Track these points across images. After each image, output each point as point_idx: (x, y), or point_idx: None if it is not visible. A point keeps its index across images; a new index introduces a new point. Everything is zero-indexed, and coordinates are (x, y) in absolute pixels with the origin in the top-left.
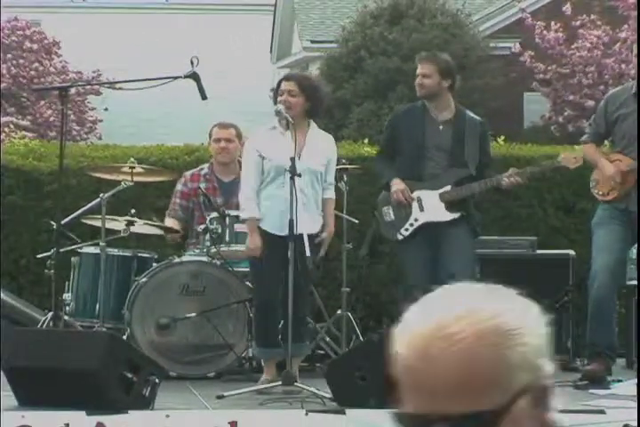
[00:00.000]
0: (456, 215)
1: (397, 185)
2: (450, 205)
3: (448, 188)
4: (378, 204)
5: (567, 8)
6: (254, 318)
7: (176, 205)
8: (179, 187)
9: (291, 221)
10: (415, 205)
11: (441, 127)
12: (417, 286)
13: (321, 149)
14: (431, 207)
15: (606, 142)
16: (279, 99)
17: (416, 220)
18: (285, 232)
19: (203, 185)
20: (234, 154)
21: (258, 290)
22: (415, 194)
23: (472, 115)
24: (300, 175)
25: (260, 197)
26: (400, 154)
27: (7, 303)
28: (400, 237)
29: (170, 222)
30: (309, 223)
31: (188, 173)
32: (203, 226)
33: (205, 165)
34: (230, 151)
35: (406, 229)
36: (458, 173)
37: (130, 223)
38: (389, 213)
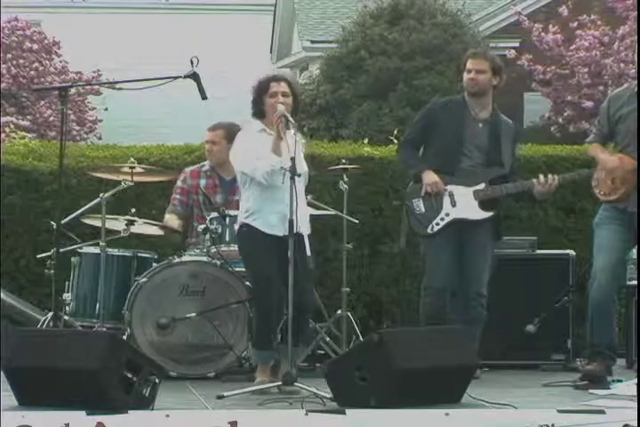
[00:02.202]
0: (488, 214)
1: (430, 177)
2: (482, 204)
3: (482, 185)
4: (407, 196)
5: (563, 9)
6: (255, 320)
7: (175, 201)
8: (179, 183)
9: (290, 221)
10: (447, 199)
11: (480, 125)
12: (428, 289)
13: (297, 148)
14: (464, 204)
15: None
16: (272, 100)
17: (447, 215)
18: (274, 231)
19: (203, 182)
20: (220, 155)
21: (258, 292)
22: (447, 188)
23: (505, 117)
24: (299, 175)
25: (252, 198)
26: (434, 146)
27: (7, 303)
28: (430, 232)
29: (169, 218)
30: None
31: (188, 170)
32: (203, 226)
33: (207, 162)
34: (215, 153)
35: (437, 224)
36: (494, 171)
37: (130, 223)
38: (420, 206)
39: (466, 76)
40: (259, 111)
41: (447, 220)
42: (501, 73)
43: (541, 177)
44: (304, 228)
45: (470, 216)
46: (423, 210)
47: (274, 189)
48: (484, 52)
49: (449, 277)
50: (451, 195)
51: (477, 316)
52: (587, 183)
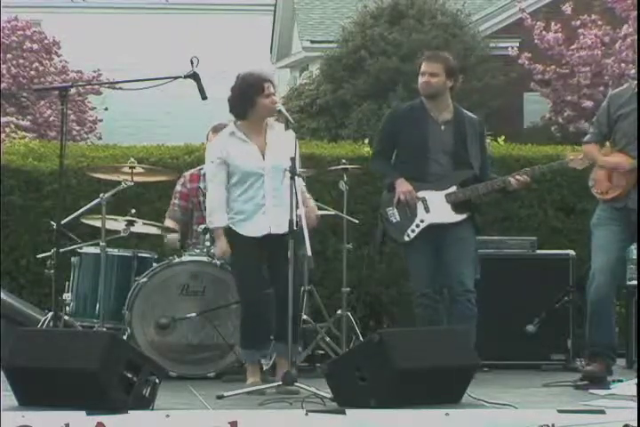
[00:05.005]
0: (463, 216)
1: (403, 186)
2: (456, 207)
3: (454, 189)
4: (381, 205)
5: (567, 7)
6: (241, 319)
7: (175, 206)
8: (178, 187)
9: (290, 221)
10: (420, 205)
11: (443, 128)
12: (418, 292)
13: (283, 144)
14: (437, 208)
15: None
16: (267, 101)
17: (422, 221)
18: (256, 234)
19: (202, 185)
20: None
21: (242, 293)
22: (420, 194)
23: (469, 113)
24: (300, 175)
25: (228, 200)
26: (401, 154)
27: (7, 303)
28: (406, 239)
29: (168, 224)
30: (286, 222)
31: (187, 174)
32: (203, 226)
33: (205, 165)
34: None
35: (412, 231)
36: (463, 173)
37: (130, 223)
38: (394, 215)
39: (420, 79)
40: (243, 112)
41: (422, 226)
42: (457, 74)
43: (511, 180)
44: (282, 227)
45: (445, 220)
46: (398, 218)
47: (242, 188)
48: (437, 55)
49: (435, 279)
50: (424, 201)
51: (468, 312)
52: (586, 184)
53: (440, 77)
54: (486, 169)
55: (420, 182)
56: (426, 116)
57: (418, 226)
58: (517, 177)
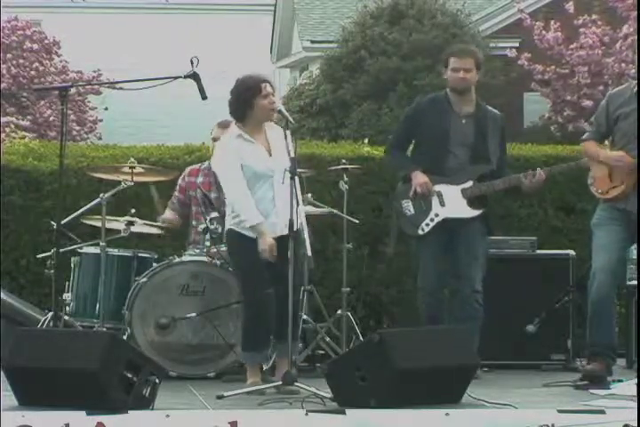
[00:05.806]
0: (478, 212)
1: (419, 178)
2: (471, 202)
3: (470, 183)
4: (396, 197)
5: (570, 6)
6: (244, 321)
7: (174, 198)
8: (178, 181)
9: (290, 221)
10: (436, 199)
11: (464, 121)
12: (423, 288)
13: (283, 145)
14: (452, 203)
15: (606, 142)
16: (265, 101)
17: (437, 215)
18: (271, 235)
19: (200, 180)
20: None
21: (246, 293)
22: (435, 188)
23: (492, 109)
24: (299, 176)
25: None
26: (420, 146)
27: (7, 303)
28: (420, 233)
29: (169, 214)
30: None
31: (188, 168)
32: (203, 226)
33: (208, 161)
34: None
35: (427, 225)
36: (480, 168)
37: (130, 223)
38: (409, 208)
39: (453, 74)
40: (243, 114)
41: (437, 220)
42: (481, 68)
43: (529, 171)
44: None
45: (460, 215)
46: (413, 211)
47: (252, 190)
48: (468, 50)
49: (442, 276)
50: (439, 195)
51: (474, 313)
52: (586, 183)
53: (473, 72)
54: (504, 165)
55: (436, 176)
56: (448, 108)
57: (432, 220)
58: (533, 177)
